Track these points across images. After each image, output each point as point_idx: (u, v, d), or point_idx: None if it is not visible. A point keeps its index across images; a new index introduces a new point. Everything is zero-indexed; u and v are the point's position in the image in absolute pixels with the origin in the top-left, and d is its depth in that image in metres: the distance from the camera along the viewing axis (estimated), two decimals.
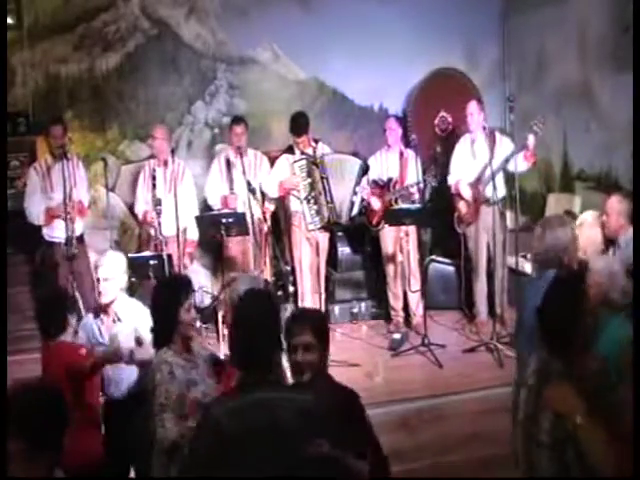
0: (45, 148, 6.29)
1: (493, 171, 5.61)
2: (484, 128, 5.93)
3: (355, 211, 6.00)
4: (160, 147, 5.79)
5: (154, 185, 5.56)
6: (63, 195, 5.34)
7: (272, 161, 6.14)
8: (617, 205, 4.58)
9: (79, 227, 5.58)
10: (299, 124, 5.92)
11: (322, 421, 2.43)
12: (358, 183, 5.92)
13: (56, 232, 5.53)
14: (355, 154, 7.13)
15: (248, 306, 2.63)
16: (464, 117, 6.06)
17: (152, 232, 5.61)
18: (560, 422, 2.40)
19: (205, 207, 6.15)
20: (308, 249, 6.01)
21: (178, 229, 5.42)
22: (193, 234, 5.75)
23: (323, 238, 6.08)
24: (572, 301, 2.54)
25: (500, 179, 5.84)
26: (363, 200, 6.20)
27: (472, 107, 5.98)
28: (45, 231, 5.56)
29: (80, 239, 5.60)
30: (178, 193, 5.55)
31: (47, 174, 5.58)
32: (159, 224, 5.43)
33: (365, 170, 6.03)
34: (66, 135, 5.65)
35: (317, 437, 2.38)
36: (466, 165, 5.97)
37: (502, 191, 5.88)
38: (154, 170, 5.66)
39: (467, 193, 5.97)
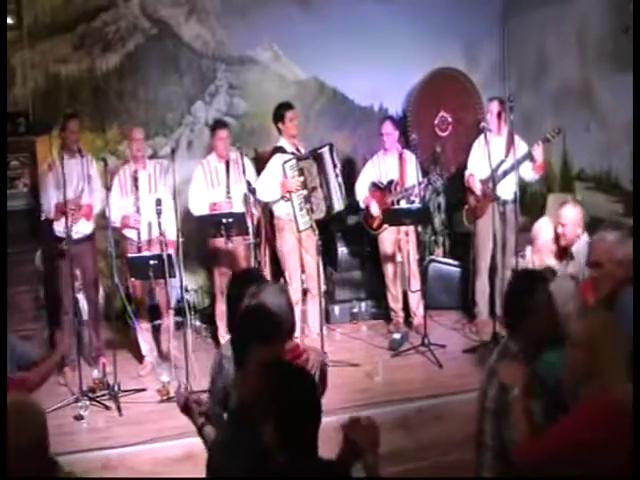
0: (47, 147, 6.30)
1: (505, 170, 5.79)
2: (505, 128, 5.97)
3: (344, 192, 5.95)
4: (140, 148, 5.70)
5: (137, 187, 5.53)
6: (64, 191, 5.28)
7: (266, 162, 5.99)
8: (571, 213, 4.59)
9: (89, 226, 5.57)
10: (282, 104, 5.88)
11: None
12: (335, 165, 5.89)
13: (64, 227, 5.46)
14: (354, 154, 7.18)
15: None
16: (466, 116, 6.08)
17: (135, 236, 5.56)
18: (503, 392, 2.68)
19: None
20: (302, 251, 5.89)
21: (178, 230, 5.40)
22: (172, 235, 5.55)
23: (314, 238, 5.96)
24: (529, 293, 2.81)
25: (512, 179, 5.80)
26: (362, 209, 6.27)
27: (493, 106, 6.04)
28: (55, 226, 5.52)
29: (90, 237, 5.60)
30: (159, 194, 5.52)
31: (61, 169, 5.49)
32: (159, 224, 5.41)
33: (333, 150, 5.93)
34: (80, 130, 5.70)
35: None
36: (481, 162, 6.01)
37: (512, 191, 5.80)
38: (135, 172, 5.60)
39: (478, 188, 6.03)
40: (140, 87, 6.77)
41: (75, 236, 5.39)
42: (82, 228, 5.55)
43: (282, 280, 6.01)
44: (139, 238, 5.54)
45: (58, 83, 6.52)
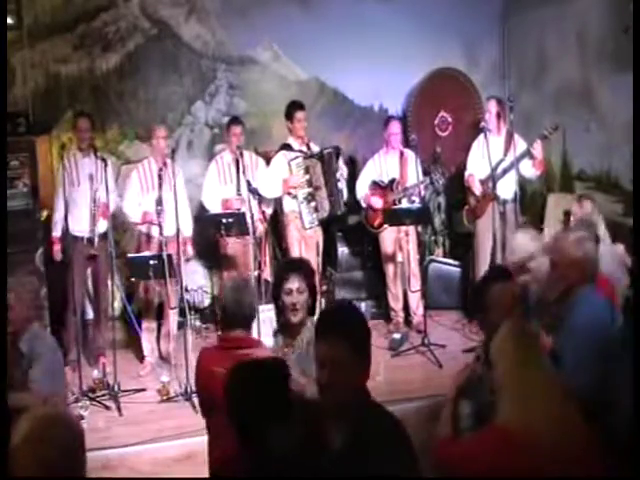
0: (47, 147, 6.31)
1: (505, 169, 5.81)
2: (504, 128, 5.99)
3: (345, 197, 5.99)
4: (163, 146, 5.72)
5: (160, 185, 5.51)
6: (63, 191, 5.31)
7: (269, 161, 6.08)
8: (575, 211, 4.70)
9: (103, 225, 5.55)
10: (294, 103, 5.92)
11: None
12: (337, 169, 5.91)
13: (78, 226, 5.48)
14: (355, 154, 7.18)
15: None
16: (466, 116, 6.08)
17: (154, 233, 5.56)
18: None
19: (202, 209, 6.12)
20: (304, 248, 5.92)
21: (178, 228, 5.40)
22: (187, 232, 5.69)
23: (319, 236, 5.99)
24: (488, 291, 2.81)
25: (512, 179, 5.80)
26: (363, 208, 6.26)
27: (491, 106, 6.06)
28: (70, 225, 5.48)
29: (103, 237, 5.57)
30: (177, 192, 5.50)
31: (74, 168, 5.55)
32: (159, 224, 5.41)
33: (339, 154, 5.98)
34: (92, 129, 5.70)
35: None
36: (480, 161, 6.03)
37: (512, 191, 5.81)
38: (160, 169, 5.59)
39: (477, 188, 6.04)
40: (140, 87, 6.78)
41: (90, 235, 5.46)
42: (98, 227, 5.55)
43: None
44: (161, 234, 5.52)
45: (58, 83, 6.53)
